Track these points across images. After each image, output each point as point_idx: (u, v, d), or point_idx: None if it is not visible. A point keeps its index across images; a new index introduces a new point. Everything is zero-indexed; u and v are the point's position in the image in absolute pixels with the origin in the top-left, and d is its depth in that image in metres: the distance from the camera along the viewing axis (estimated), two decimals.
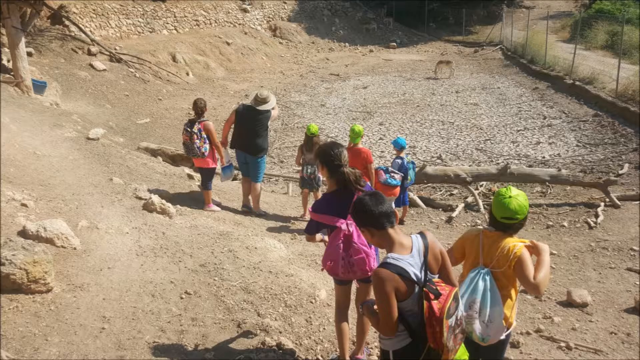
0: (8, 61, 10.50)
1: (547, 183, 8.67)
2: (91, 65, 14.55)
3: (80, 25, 15.65)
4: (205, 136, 6.08)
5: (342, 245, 3.11)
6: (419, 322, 2.29)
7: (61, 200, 5.16)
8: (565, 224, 7.26)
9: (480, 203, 8.12)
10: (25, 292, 3.47)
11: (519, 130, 12.51)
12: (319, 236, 3.36)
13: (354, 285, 3.52)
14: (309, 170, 6.63)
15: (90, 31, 16.30)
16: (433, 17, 32.47)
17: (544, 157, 10.57)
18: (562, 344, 4.13)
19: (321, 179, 6.73)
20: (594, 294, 5.05)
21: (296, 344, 3.64)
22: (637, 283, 5.30)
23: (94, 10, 17.08)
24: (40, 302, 3.47)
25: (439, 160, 10.59)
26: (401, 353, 2.39)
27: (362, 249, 3.09)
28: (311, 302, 4.15)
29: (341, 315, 3.42)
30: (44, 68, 12.83)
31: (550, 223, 7.31)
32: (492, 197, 5.59)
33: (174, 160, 8.85)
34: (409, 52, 26.71)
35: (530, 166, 9.85)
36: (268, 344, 3.53)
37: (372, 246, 3.11)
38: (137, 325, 3.49)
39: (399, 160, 7.03)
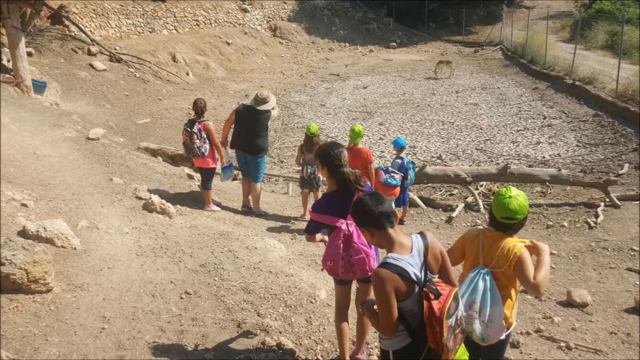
0: (8, 61, 10.50)
1: (547, 183, 8.67)
2: (91, 65, 14.55)
3: (80, 25, 15.65)
4: (205, 136, 6.08)
5: (342, 245, 3.11)
6: (419, 322, 2.29)
7: (61, 200, 5.16)
8: (565, 224, 7.26)
9: (480, 203, 8.12)
10: (25, 292, 3.47)
11: (519, 130, 12.51)
12: (319, 236, 3.37)
13: (354, 285, 3.52)
14: (309, 170, 6.63)
15: (90, 31, 16.30)
16: (433, 17, 32.47)
17: (544, 157, 10.57)
18: (562, 344, 4.13)
19: (321, 179, 6.73)
20: (594, 294, 5.05)
21: (296, 344, 3.64)
22: (637, 283, 5.30)
23: (94, 10, 17.08)
24: (40, 302, 3.47)
25: (439, 160, 10.59)
26: (401, 353, 2.39)
27: (362, 249, 3.09)
28: (311, 302, 4.15)
29: (341, 315, 3.42)
30: (44, 68, 12.83)
31: (550, 223, 7.31)
32: (492, 197, 5.59)
33: (174, 160, 8.85)
34: (409, 52, 26.70)
35: (530, 166, 9.85)
36: (268, 344, 3.53)
37: (372, 246, 3.11)
38: (137, 325, 3.49)
39: (399, 160, 7.04)
